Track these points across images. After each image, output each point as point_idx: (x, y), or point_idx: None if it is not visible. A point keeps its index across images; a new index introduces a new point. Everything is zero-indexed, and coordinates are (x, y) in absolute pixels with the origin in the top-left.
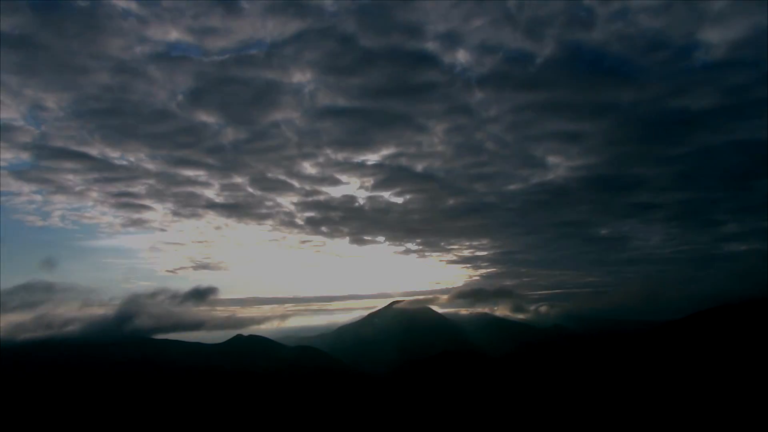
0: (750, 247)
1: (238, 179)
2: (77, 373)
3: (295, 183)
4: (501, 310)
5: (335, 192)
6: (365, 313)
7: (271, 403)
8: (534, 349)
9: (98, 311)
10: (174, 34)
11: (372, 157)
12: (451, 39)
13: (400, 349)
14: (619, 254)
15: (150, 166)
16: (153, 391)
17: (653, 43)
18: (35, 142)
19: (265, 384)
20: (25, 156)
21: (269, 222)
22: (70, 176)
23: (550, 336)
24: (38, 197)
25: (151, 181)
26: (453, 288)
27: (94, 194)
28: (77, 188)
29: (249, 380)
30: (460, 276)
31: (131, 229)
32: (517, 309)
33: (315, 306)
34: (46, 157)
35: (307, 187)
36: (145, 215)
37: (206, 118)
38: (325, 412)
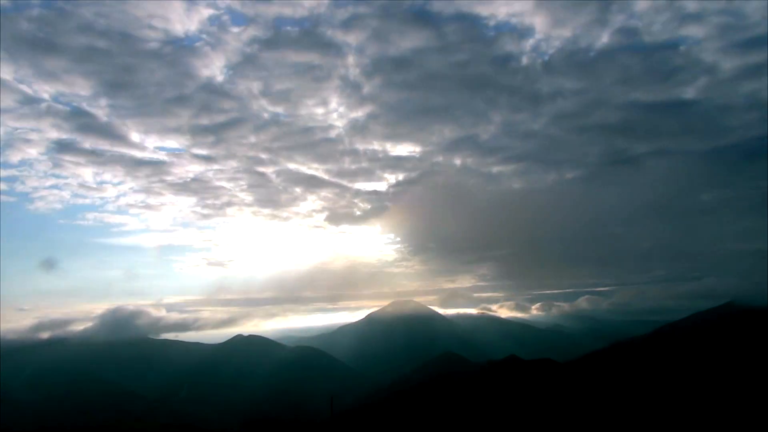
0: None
1: (268, 174)
2: (83, 372)
3: (326, 178)
4: (504, 310)
5: (365, 187)
6: (366, 313)
7: (271, 403)
8: (534, 350)
9: (103, 312)
10: (217, 10)
11: (415, 150)
12: (517, 26)
13: (401, 350)
14: (632, 252)
15: (178, 160)
16: (155, 390)
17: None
18: (60, 134)
19: (265, 384)
20: (46, 148)
21: (291, 219)
22: (93, 169)
23: (549, 336)
24: (57, 192)
25: (177, 177)
26: (463, 288)
27: (114, 191)
28: (97, 184)
29: (249, 380)
30: (473, 276)
31: (150, 226)
32: (520, 308)
33: (321, 305)
34: (67, 150)
35: (337, 183)
36: (166, 211)
37: (248, 103)
38: (325, 412)
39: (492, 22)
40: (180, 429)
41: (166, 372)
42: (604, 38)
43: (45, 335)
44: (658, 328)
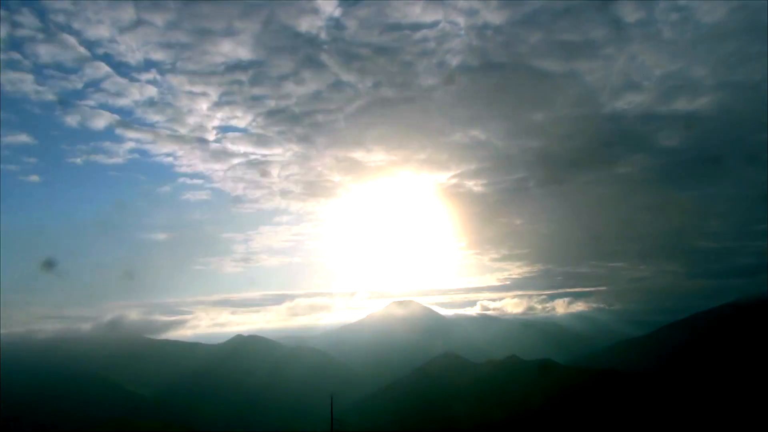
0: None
1: (318, 163)
2: (83, 372)
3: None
4: (513, 307)
5: (427, 179)
6: (366, 313)
7: (271, 403)
8: (534, 350)
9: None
10: None
11: (482, 135)
12: None
13: (401, 350)
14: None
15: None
16: (155, 390)
17: None
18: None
19: (265, 384)
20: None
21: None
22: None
23: (550, 335)
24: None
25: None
26: (488, 286)
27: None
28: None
29: (249, 380)
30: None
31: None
32: (529, 308)
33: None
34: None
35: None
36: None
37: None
38: (325, 412)
39: None
40: (180, 429)
41: (166, 372)
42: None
43: (45, 335)
44: (659, 327)
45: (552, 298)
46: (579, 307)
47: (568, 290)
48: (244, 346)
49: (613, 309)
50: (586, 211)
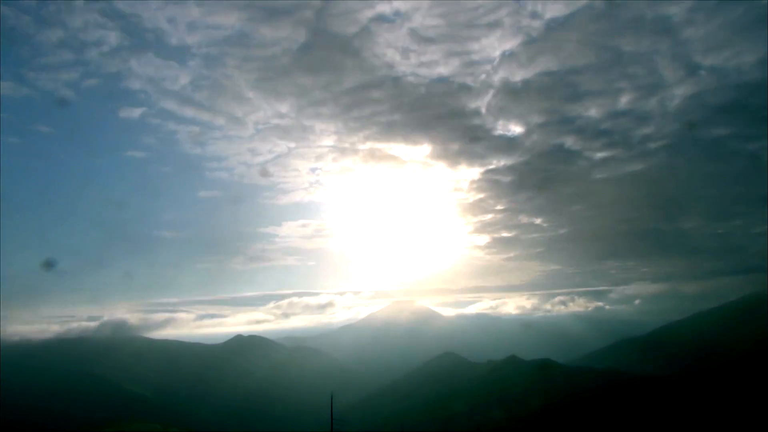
0: None
1: (352, 157)
2: (83, 372)
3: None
4: (515, 308)
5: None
6: (366, 312)
7: (271, 403)
8: (534, 350)
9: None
10: None
11: (520, 130)
12: None
13: (401, 350)
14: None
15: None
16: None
17: None
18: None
19: (265, 384)
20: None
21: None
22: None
23: (550, 336)
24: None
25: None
26: (497, 286)
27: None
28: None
29: (249, 380)
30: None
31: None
32: (530, 308)
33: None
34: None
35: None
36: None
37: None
38: (325, 412)
39: None
40: (180, 429)
41: (166, 372)
42: None
43: (46, 335)
44: (659, 327)
45: (553, 297)
46: (588, 306)
47: (574, 290)
48: (244, 346)
49: (613, 309)
50: (600, 210)
